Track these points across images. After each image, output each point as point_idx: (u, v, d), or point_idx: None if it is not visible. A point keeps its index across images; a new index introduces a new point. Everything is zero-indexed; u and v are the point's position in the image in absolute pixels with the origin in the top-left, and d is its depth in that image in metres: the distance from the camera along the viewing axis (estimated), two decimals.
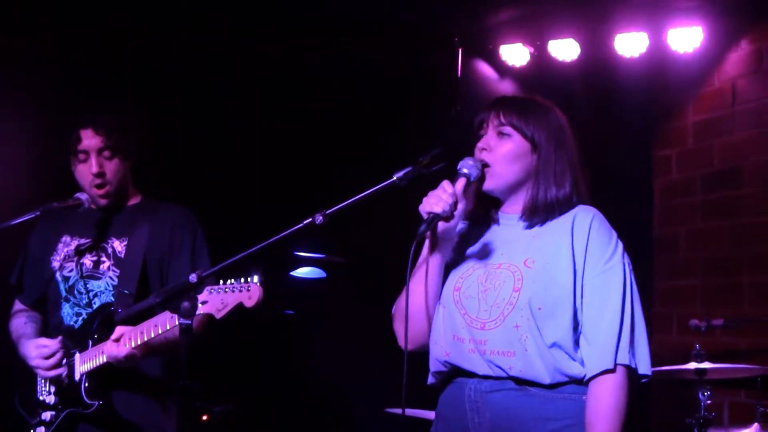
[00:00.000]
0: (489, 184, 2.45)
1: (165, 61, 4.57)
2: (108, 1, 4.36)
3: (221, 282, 2.65)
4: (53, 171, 4.00)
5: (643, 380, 2.36)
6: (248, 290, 2.61)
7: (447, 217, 2.35)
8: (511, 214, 2.50)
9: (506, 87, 5.45)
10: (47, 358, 3.09)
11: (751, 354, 4.66)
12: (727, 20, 4.87)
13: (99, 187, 3.18)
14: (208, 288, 2.66)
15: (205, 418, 4.63)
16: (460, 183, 2.39)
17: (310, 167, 4.92)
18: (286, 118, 4.87)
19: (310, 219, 2.36)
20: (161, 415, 3.15)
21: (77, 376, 3.08)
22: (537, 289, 2.32)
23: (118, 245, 3.21)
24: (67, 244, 3.25)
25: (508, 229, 2.48)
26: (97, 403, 3.02)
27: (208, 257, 3.24)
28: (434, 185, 2.41)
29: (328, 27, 4.75)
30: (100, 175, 3.16)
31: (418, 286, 2.44)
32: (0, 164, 4.29)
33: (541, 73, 5.24)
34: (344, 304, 4.94)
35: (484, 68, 5.46)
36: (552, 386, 2.31)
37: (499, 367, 2.32)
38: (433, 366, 2.46)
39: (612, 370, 2.29)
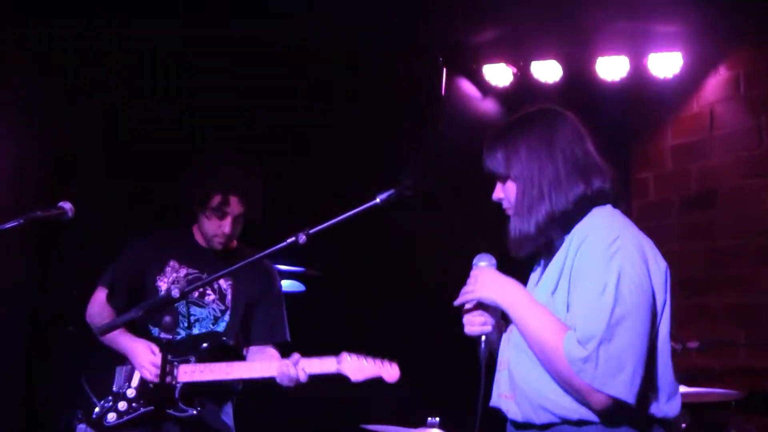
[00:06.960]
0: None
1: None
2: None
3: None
4: (33, 180, 4.00)
5: None
6: (390, 369, 3.19)
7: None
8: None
9: (489, 106, 5.50)
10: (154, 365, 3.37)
11: (723, 375, 4.72)
12: (706, 47, 4.95)
13: (222, 239, 3.52)
14: (347, 354, 3.21)
15: None
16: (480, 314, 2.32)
17: (291, 183, 4.91)
18: (267, 133, 4.84)
19: (294, 238, 2.41)
20: (232, 425, 3.58)
21: (174, 382, 3.34)
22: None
23: (223, 283, 3.57)
24: (176, 270, 3.54)
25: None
26: (193, 410, 3.34)
27: (284, 308, 3.68)
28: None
29: (312, 43, 4.75)
30: (230, 235, 3.52)
31: None
32: None
33: (524, 93, 5.29)
34: (323, 318, 4.94)
35: (468, 87, 5.50)
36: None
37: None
38: None
39: None
